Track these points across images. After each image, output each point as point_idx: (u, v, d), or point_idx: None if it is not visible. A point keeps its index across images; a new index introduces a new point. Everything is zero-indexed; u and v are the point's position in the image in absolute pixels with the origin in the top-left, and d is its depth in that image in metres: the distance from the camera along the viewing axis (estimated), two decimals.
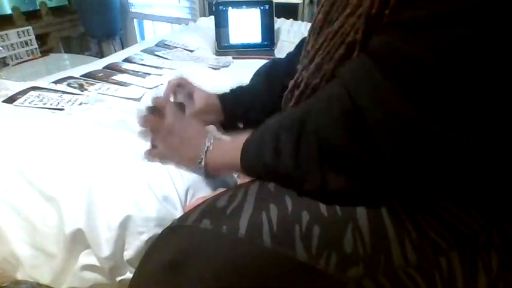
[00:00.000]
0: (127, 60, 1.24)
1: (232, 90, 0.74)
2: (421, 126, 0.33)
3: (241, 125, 0.72)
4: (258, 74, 0.78)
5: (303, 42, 0.57)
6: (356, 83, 0.37)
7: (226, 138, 0.58)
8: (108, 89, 0.95)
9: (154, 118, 0.60)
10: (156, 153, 0.60)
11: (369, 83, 0.36)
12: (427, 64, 0.32)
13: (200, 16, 2.27)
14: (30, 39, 1.97)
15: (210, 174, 0.58)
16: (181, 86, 0.72)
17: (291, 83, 0.51)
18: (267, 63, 0.80)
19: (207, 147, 0.54)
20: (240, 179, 0.67)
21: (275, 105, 0.59)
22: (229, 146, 0.54)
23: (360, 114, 0.36)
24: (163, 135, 0.59)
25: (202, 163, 0.55)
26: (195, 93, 0.71)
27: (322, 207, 0.40)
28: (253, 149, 0.47)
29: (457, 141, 0.33)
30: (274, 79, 0.71)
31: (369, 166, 0.37)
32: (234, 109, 0.71)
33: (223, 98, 0.71)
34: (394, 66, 0.34)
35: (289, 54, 0.76)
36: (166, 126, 0.59)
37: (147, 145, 0.63)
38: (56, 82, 0.96)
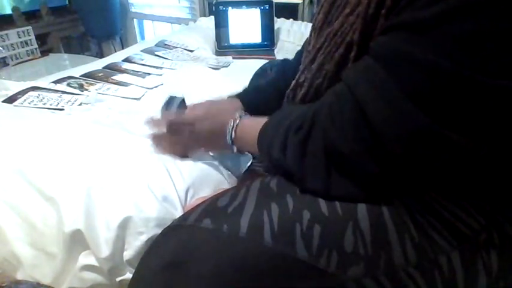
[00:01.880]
0: (127, 60, 1.24)
1: (246, 90, 0.74)
2: (425, 128, 0.33)
3: None
4: (264, 75, 0.78)
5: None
6: (362, 86, 0.37)
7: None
8: (108, 89, 0.95)
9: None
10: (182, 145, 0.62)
11: (374, 86, 0.35)
12: (430, 65, 0.32)
13: (200, 16, 2.27)
14: (30, 39, 1.97)
15: (239, 148, 0.57)
16: None
17: (293, 82, 0.51)
18: (274, 61, 0.81)
19: (236, 120, 0.55)
20: (240, 179, 0.67)
21: None
22: (252, 126, 0.53)
23: (367, 118, 0.35)
24: (187, 131, 0.60)
25: (232, 136, 0.55)
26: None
27: (323, 206, 0.40)
28: (267, 137, 0.48)
29: (461, 144, 0.33)
30: (287, 76, 0.72)
31: (375, 172, 0.37)
32: (254, 107, 0.71)
33: (241, 97, 0.71)
34: (399, 68, 0.34)
35: (297, 54, 0.77)
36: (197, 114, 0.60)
37: (146, 145, 0.63)
38: (56, 82, 0.96)
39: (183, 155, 0.64)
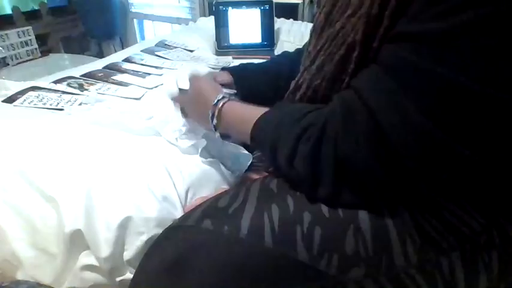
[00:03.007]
0: (127, 60, 1.24)
1: (241, 65, 0.77)
2: (436, 139, 0.33)
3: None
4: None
5: None
6: (374, 98, 0.36)
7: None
8: (109, 89, 0.95)
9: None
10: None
11: (387, 97, 0.35)
12: (442, 78, 0.32)
13: (200, 16, 2.27)
14: (30, 39, 1.96)
15: (222, 132, 0.57)
16: None
17: (293, 84, 0.51)
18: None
19: (218, 100, 0.55)
20: (241, 179, 0.67)
21: (281, 84, 0.59)
22: (242, 116, 0.53)
23: (381, 130, 0.35)
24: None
25: (214, 120, 0.55)
26: (216, 76, 0.74)
27: (324, 208, 0.40)
28: (267, 136, 0.46)
29: (471, 158, 0.33)
30: (281, 62, 0.75)
31: (385, 182, 0.37)
32: (243, 83, 0.73)
33: (233, 71, 0.75)
34: (407, 79, 0.34)
35: (298, 49, 0.78)
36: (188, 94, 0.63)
37: (146, 145, 0.63)
38: (56, 82, 0.96)
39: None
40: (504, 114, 0.32)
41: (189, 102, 0.65)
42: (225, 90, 0.65)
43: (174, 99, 0.71)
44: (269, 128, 0.47)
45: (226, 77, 0.73)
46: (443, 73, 0.32)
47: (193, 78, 0.65)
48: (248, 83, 0.72)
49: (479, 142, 0.33)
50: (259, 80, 0.72)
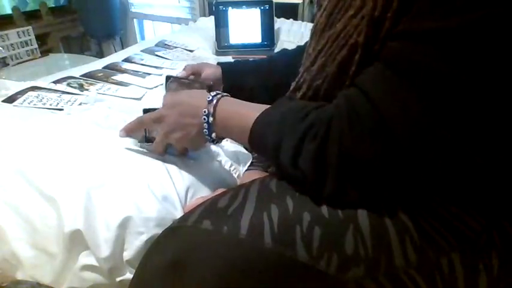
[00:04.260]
0: (127, 60, 1.24)
1: (235, 61, 0.76)
2: (442, 138, 0.33)
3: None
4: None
5: None
6: (381, 96, 0.36)
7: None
8: (109, 89, 0.95)
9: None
10: (159, 141, 0.57)
11: (393, 96, 0.35)
12: (449, 77, 0.32)
13: (200, 16, 2.27)
14: (30, 39, 1.96)
15: (216, 134, 0.52)
16: (195, 74, 0.74)
17: (293, 84, 0.51)
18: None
19: (212, 96, 0.51)
20: (240, 179, 0.67)
21: (273, 81, 0.58)
22: (238, 118, 0.50)
23: (387, 128, 0.35)
24: (162, 115, 0.55)
25: (210, 119, 0.50)
26: (206, 68, 0.73)
27: (323, 208, 0.40)
28: (269, 140, 0.45)
29: (469, 154, 0.34)
30: (277, 60, 0.74)
31: (389, 179, 0.37)
32: (233, 78, 0.72)
33: (225, 67, 0.73)
34: (410, 77, 0.34)
35: (298, 47, 0.78)
36: (164, 103, 0.56)
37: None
38: (56, 82, 0.96)
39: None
40: (507, 113, 0.32)
41: (166, 124, 0.55)
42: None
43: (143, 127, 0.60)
44: (270, 127, 0.45)
45: (214, 70, 0.73)
46: (447, 71, 0.32)
47: (168, 97, 0.58)
48: (237, 78, 0.71)
49: (483, 139, 0.33)
50: (248, 76, 0.71)
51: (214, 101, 0.51)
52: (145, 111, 0.61)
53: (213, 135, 0.52)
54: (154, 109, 0.59)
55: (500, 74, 0.31)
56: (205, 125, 0.51)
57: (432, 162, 0.35)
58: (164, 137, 0.57)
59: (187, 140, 0.56)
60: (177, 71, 1.16)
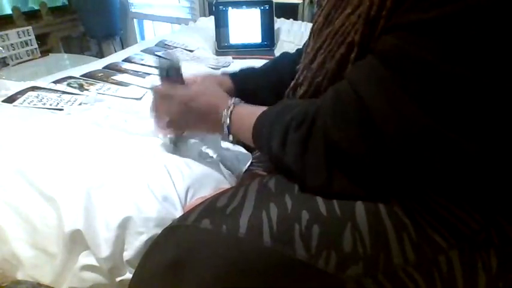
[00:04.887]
0: (127, 60, 1.25)
1: (241, 70, 0.75)
2: (427, 128, 0.33)
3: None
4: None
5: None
6: (366, 87, 0.37)
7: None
8: (109, 89, 0.95)
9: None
10: (171, 126, 0.60)
11: (379, 87, 0.36)
12: (434, 67, 0.32)
13: (200, 16, 2.27)
14: (30, 39, 1.96)
15: (235, 137, 0.56)
16: None
17: (292, 82, 0.51)
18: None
19: (230, 106, 0.54)
20: (240, 179, 0.67)
21: (283, 86, 0.58)
22: (248, 115, 0.52)
23: (371, 118, 0.36)
24: (178, 107, 0.58)
25: (227, 122, 0.53)
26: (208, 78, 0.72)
27: (322, 206, 0.40)
28: (265, 130, 0.48)
29: (463, 146, 0.33)
30: (282, 64, 0.74)
31: (375, 170, 0.37)
32: (244, 88, 0.71)
33: (233, 76, 0.72)
34: (403, 70, 0.34)
35: (298, 50, 0.78)
36: (184, 96, 0.58)
37: (146, 145, 0.63)
38: (56, 82, 0.96)
39: (170, 127, 0.62)
40: (499, 103, 0.32)
41: (189, 111, 0.58)
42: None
43: (154, 112, 0.63)
44: (267, 122, 0.48)
45: (226, 81, 0.72)
46: (435, 62, 0.32)
47: (197, 82, 0.62)
48: (250, 90, 0.71)
49: (472, 131, 0.33)
50: (261, 86, 0.71)
51: (231, 109, 0.54)
52: (168, 64, 0.62)
53: (230, 137, 0.55)
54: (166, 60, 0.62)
55: (490, 62, 0.31)
56: (224, 127, 0.54)
57: (419, 151, 0.35)
58: (183, 115, 0.59)
59: (200, 126, 0.60)
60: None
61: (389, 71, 0.35)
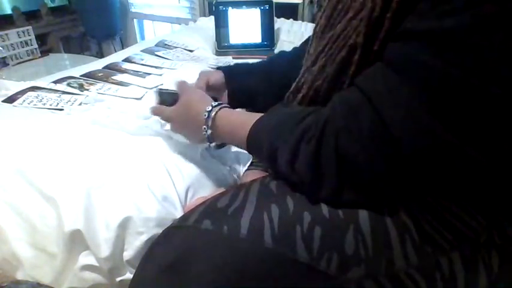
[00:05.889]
0: (127, 60, 1.24)
1: (236, 66, 0.76)
2: (446, 143, 0.33)
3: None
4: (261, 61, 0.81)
5: (308, 40, 0.57)
6: (381, 97, 0.36)
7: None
8: (109, 89, 0.95)
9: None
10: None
11: (394, 98, 0.35)
12: (450, 77, 0.31)
13: (200, 16, 2.27)
14: (30, 39, 1.96)
15: (215, 142, 0.57)
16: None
17: (294, 85, 0.51)
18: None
19: (212, 107, 0.54)
20: (240, 179, 0.67)
21: (277, 87, 0.58)
22: (238, 122, 0.52)
23: (386, 130, 0.35)
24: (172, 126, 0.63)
25: (209, 126, 0.54)
26: (214, 74, 0.74)
27: (324, 208, 0.40)
28: (265, 140, 0.46)
29: (471, 155, 0.33)
30: (278, 63, 0.74)
31: (389, 181, 0.37)
32: (237, 87, 0.73)
33: (228, 74, 0.73)
34: (412, 76, 0.34)
35: (294, 48, 0.78)
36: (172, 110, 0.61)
37: (146, 145, 0.63)
38: (56, 82, 0.96)
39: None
40: (508, 114, 0.31)
41: (175, 116, 0.61)
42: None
43: (154, 113, 0.66)
44: (266, 133, 0.46)
45: (219, 76, 0.73)
46: (449, 71, 0.31)
47: (183, 90, 0.62)
48: (239, 80, 0.72)
49: (483, 141, 0.33)
50: (250, 77, 0.72)
51: (213, 114, 0.54)
52: (160, 93, 0.68)
53: (213, 144, 0.57)
54: (168, 91, 0.66)
55: (504, 72, 0.30)
56: (206, 136, 0.55)
57: (433, 161, 0.35)
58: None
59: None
60: (177, 71, 1.17)
61: (402, 80, 0.34)
